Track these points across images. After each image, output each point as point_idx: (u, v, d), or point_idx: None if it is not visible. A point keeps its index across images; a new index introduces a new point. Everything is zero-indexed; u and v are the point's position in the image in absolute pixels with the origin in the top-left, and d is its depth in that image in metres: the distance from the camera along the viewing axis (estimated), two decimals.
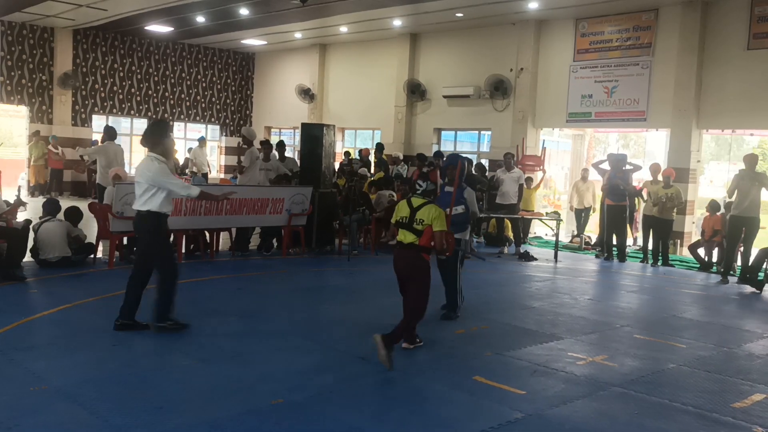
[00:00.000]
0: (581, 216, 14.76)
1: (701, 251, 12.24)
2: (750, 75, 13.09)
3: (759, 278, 10.28)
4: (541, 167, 15.04)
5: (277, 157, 12.62)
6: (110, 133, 11.77)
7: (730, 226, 10.93)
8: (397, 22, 17.52)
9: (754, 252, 10.67)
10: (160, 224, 6.32)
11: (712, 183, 24.48)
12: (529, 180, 14.61)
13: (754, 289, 10.20)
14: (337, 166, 16.49)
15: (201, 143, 20.12)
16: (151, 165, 6.21)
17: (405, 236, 5.84)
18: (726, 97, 13.47)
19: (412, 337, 6.16)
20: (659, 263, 12.42)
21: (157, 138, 6.34)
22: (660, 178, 12.58)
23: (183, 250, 10.52)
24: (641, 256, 12.95)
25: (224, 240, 11.53)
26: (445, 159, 8.99)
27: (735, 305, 9.42)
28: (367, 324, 7.09)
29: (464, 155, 8.81)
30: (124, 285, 8.22)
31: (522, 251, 12.68)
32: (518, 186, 13.00)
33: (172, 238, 10.55)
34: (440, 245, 5.74)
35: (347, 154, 17.61)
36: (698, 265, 12.16)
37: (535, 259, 12.35)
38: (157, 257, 6.36)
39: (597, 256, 13.22)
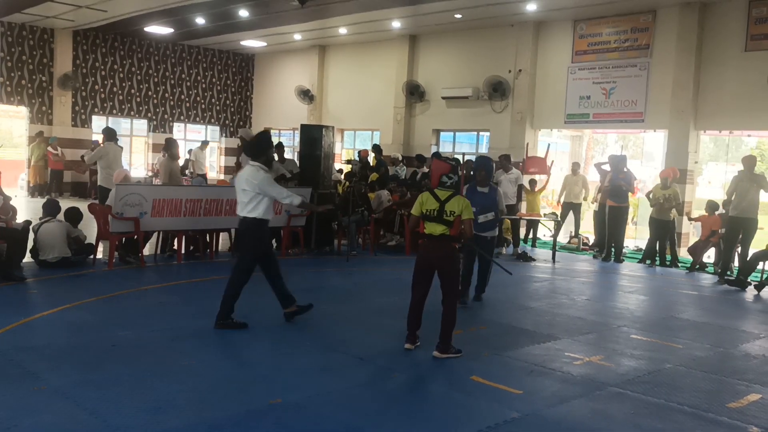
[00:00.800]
0: (569, 211, 14.71)
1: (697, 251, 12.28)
2: (747, 76, 13.13)
3: (756, 279, 10.34)
4: (548, 171, 14.90)
5: (276, 159, 12.64)
6: (110, 134, 11.78)
7: (729, 227, 10.97)
8: (396, 24, 17.55)
9: (752, 253, 10.73)
10: (265, 231, 6.71)
11: (710, 184, 24.49)
12: (533, 182, 14.62)
13: (737, 288, 10.29)
14: (337, 167, 16.52)
15: (202, 146, 20.16)
16: (257, 174, 6.51)
17: (435, 228, 6.01)
18: (724, 98, 13.51)
19: (413, 338, 6.20)
20: (657, 264, 12.44)
21: (261, 148, 6.69)
22: (658, 179, 12.60)
23: (183, 251, 10.55)
24: (639, 257, 12.98)
25: (223, 241, 11.55)
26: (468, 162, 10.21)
27: (732, 306, 9.45)
28: (366, 324, 7.13)
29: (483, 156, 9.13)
30: (124, 285, 8.31)
31: (520, 252, 12.72)
32: (517, 187, 13.02)
33: (171, 239, 10.66)
34: (470, 232, 6.05)
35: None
36: (697, 266, 12.16)
37: (533, 260, 12.39)
38: (247, 260, 6.72)
39: (595, 257, 13.25)
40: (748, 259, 10.63)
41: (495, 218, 8.02)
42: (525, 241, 14.27)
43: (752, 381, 5.83)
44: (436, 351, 5.98)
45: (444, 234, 5.97)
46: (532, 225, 14.56)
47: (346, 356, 5.98)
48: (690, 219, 12.91)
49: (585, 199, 14.85)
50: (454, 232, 5.98)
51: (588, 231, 15.28)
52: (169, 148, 11.04)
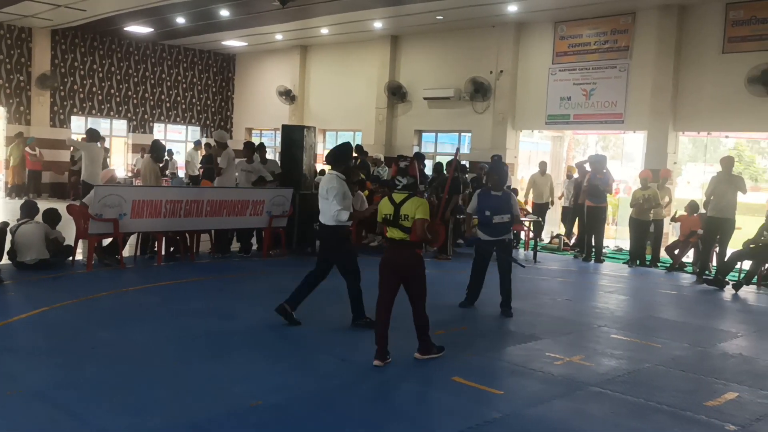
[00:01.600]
0: (539, 211, 14.79)
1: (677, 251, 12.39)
2: (725, 78, 13.29)
3: (734, 279, 10.47)
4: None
5: (258, 159, 12.62)
6: (92, 135, 11.73)
7: (706, 227, 11.09)
8: (378, 24, 17.56)
9: (730, 253, 10.86)
10: (346, 235, 6.96)
11: (689, 184, 24.78)
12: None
13: (716, 287, 10.40)
14: (318, 168, 16.48)
15: (196, 146, 20.05)
16: (332, 180, 6.76)
17: (394, 233, 5.81)
18: (702, 99, 13.67)
19: (383, 354, 5.81)
20: (637, 264, 12.54)
21: (342, 158, 6.93)
22: (645, 182, 12.68)
23: (163, 252, 10.47)
24: (620, 256, 13.07)
25: (204, 242, 11.49)
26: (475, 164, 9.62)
27: (710, 305, 9.56)
28: (348, 324, 7.12)
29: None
30: (104, 287, 8.24)
31: None
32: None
33: (152, 240, 10.59)
34: (421, 232, 5.65)
35: None
36: (677, 266, 12.26)
37: (514, 260, 12.39)
38: (346, 266, 6.91)
39: (575, 257, 13.34)
40: (726, 258, 10.76)
41: (510, 221, 7.88)
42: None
43: (729, 380, 5.90)
44: (417, 353, 5.96)
45: (404, 240, 5.74)
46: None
47: (328, 357, 5.98)
48: (671, 220, 13.01)
49: (556, 201, 14.96)
50: (413, 237, 5.70)
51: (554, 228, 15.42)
52: (156, 150, 10.97)
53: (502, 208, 7.79)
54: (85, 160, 11.40)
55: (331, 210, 6.70)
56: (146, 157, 11.31)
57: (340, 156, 6.97)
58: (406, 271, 5.83)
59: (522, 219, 13.83)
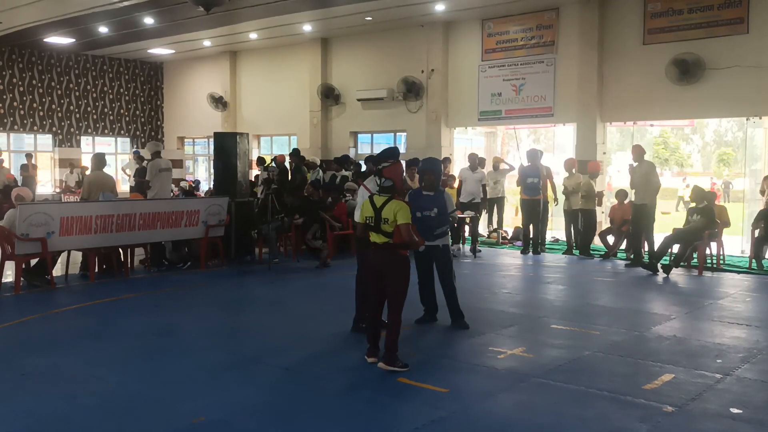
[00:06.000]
0: (493, 205, 15.00)
1: (610, 239, 12.70)
2: (646, 68, 13.72)
3: (665, 263, 10.82)
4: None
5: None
6: (99, 162, 10.98)
7: (633, 214, 11.45)
8: (307, 27, 17.45)
9: (657, 237, 11.23)
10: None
11: (619, 173, 25.51)
12: (452, 178, 14.74)
13: (650, 272, 10.74)
14: (254, 174, 16.31)
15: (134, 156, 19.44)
16: (371, 182, 6.83)
17: (377, 237, 5.80)
18: (626, 90, 14.07)
19: (375, 350, 5.93)
20: (573, 253, 12.83)
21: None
22: (573, 171, 13.07)
23: (96, 270, 10.15)
24: (557, 247, 13.34)
25: (138, 256, 11.19)
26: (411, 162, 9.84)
27: (644, 290, 9.84)
28: (291, 333, 7.04)
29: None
30: (33, 310, 7.93)
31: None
32: (481, 186, 13.20)
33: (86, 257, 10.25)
34: (408, 236, 5.68)
35: (261, 160, 17.31)
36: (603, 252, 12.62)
37: (455, 256, 12.50)
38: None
39: (523, 252, 13.40)
40: (660, 243, 11.08)
41: (442, 221, 7.19)
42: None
43: (665, 362, 6.07)
44: (381, 362, 5.75)
45: (387, 243, 5.74)
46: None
47: (271, 367, 5.89)
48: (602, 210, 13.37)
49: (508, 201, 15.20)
50: (397, 239, 5.70)
51: (508, 224, 15.63)
52: (101, 163, 10.72)
53: (430, 206, 7.14)
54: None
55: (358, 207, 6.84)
56: (94, 172, 10.83)
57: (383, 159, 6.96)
58: (386, 273, 5.80)
59: (461, 215, 14.04)
